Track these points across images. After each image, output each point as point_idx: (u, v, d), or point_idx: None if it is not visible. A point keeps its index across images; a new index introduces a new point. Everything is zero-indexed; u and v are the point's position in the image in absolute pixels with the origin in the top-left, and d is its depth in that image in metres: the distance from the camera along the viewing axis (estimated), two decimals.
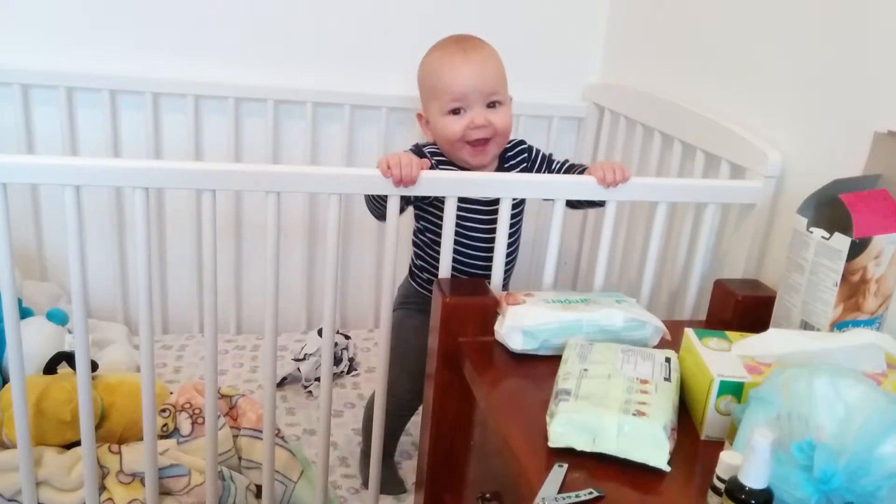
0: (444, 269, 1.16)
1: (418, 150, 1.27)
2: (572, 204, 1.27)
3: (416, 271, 1.36)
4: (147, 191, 1.01)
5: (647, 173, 1.59)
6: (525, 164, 1.31)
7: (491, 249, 1.21)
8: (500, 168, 1.30)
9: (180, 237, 1.87)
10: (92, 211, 1.79)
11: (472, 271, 1.30)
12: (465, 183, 1.14)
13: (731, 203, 1.26)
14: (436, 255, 1.27)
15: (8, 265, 1.00)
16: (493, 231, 1.19)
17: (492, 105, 1.23)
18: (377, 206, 1.20)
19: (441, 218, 1.20)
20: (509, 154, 1.31)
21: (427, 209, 1.28)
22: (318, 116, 1.84)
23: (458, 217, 1.23)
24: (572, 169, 1.29)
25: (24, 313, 1.46)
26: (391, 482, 1.43)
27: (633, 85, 1.73)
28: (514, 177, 1.19)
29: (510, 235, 1.27)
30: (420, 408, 1.41)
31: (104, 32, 1.71)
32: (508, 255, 1.27)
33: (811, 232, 0.95)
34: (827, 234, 0.92)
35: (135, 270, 1.86)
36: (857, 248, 0.90)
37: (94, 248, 1.82)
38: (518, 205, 1.30)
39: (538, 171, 1.31)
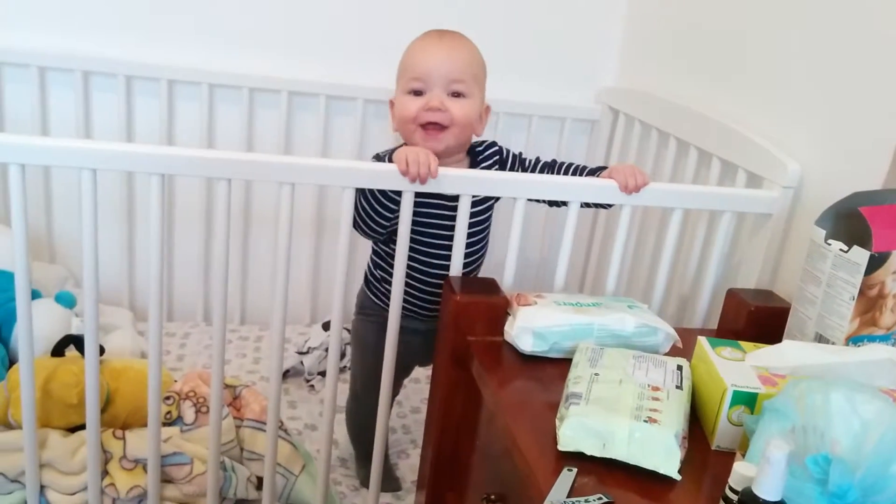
0: (455, 268, 1.16)
1: (379, 159, 1.21)
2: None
3: (374, 282, 1.32)
4: (163, 177, 1.01)
5: (662, 179, 1.58)
6: (497, 167, 1.28)
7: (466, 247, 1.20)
8: (472, 168, 1.27)
9: (188, 225, 1.87)
10: (101, 196, 1.77)
11: (439, 272, 1.25)
12: (479, 182, 1.14)
13: (747, 212, 1.25)
14: (415, 266, 1.24)
15: (24, 247, 1.00)
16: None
17: (456, 95, 1.19)
18: (374, 212, 1.17)
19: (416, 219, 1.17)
20: (482, 156, 1.28)
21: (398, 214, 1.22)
22: (331, 109, 1.84)
23: (424, 215, 1.21)
24: (550, 168, 1.27)
25: (33, 295, 1.45)
26: (387, 480, 1.43)
27: (649, 89, 1.73)
28: (530, 177, 1.19)
29: (478, 234, 1.26)
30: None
31: (122, 17, 1.70)
32: (475, 258, 1.27)
33: (829, 244, 0.94)
34: (845, 247, 0.92)
35: (143, 256, 1.87)
36: (875, 263, 0.89)
37: (101, 233, 1.77)
38: (487, 206, 1.27)
39: (511, 171, 1.28)
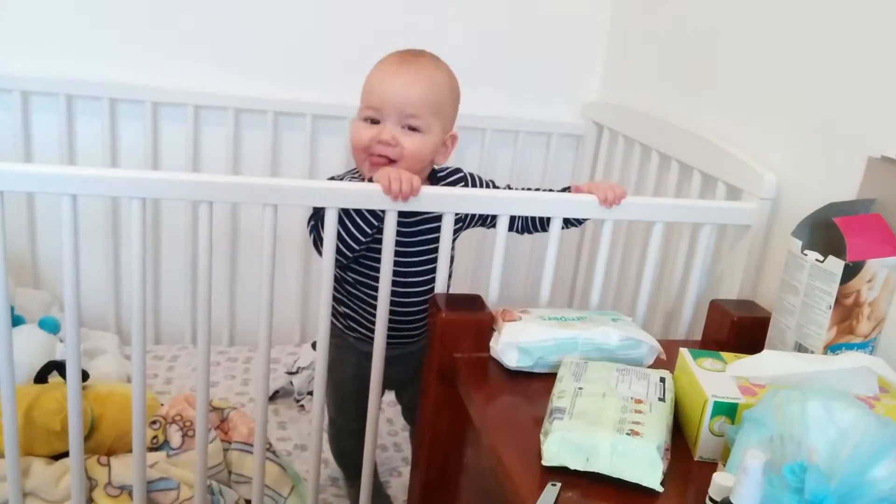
0: (441, 285, 1.16)
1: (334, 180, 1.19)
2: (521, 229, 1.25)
3: (341, 318, 1.29)
4: (144, 201, 1.01)
5: (645, 193, 1.60)
6: None
7: (421, 276, 1.19)
8: None
9: (174, 247, 1.87)
10: (86, 220, 1.77)
11: (409, 300, 1.24)
12: (462, 199, 1.14)
13: (727, 224, 1.26)
14: (368, 292, 1.22)
15: (3, 273, 1.00)
16: (423, 256, 1.18)
17: (411, 129, 1.15)
18: (347, 235, 1.13)
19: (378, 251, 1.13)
20: (444, 182, 1.25)
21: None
22: (318, 128, 1.85)
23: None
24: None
25: (16, 321, 1.45)
26: (377, 499, 1.42)
27: (632, 104, 1.75)
28: (512, 194, 1.19)
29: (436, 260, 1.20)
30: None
31: (105, 40, 1.71)
32: (432, 281, 1.19)
33: (805, 254, 0.95)
34: (821, 257, 0.93)
35: (128, 280, 1.87)
36: (850, 272, 0.90)
37: (86, 257, 1.80)
38: (457, 228, 1.23)
39: None
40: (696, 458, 0.83)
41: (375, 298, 1.16)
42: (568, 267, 1.96)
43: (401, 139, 1.14)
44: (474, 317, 1.05)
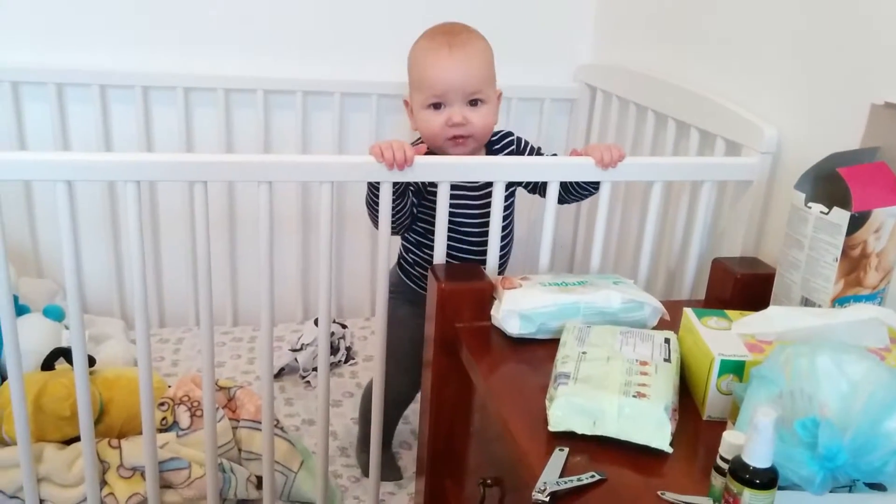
0: (439, 256, 1.15)
1: None
2: (563, 198, 1.26)
3: (408, 266, 1.34)
4: (139, 184, 1.00)
5: (642, 153, 1.58)
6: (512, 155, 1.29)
7: (484, 237, 1.20)
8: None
9: (174, 230, 1.86)
10: (85, 206, 1.77)
11: (467, 259, 1.28)
12: (458, 167, 1.13)
13: (727, 180, 1.25)
14: (430, 247, 1.25)
15: (3, 262, 0.99)
16: (486, 218, 1.18)
17: (473, 103, 1.20)
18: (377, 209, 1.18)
19: (435, 208, 1.18)
20: (497, 146, 1.29)
21: (421, 202, 1.26)
22: (308, 105, 1.83)
23: (451, 206, 1.21)
24: None
25: (21, 310, 1.45)
26: (389, 469, 1.43)
27: (624, 64, 1.72)
28: (508, 159, 1.18)
29: (503, 222, 1.26)
30: (417, 397, 1.38)
31: (93, 27, 1.69)
32: (503, 245, 1.25)
33: (809, 207, 0.94)
34: (826, 209, 0.92)
35: (129, 265, 1.86)
36: (856, 223, 0.89)
37: (88, 244, 1.81)
38: (510, 193, 1.28)
39: None
40: (704, 418, 0.83)
41: (455, 259, 1.25)
42: (567, 230, 1.95)
43: (469, 117, 1.19)
44: (474, 286, 1.04)
